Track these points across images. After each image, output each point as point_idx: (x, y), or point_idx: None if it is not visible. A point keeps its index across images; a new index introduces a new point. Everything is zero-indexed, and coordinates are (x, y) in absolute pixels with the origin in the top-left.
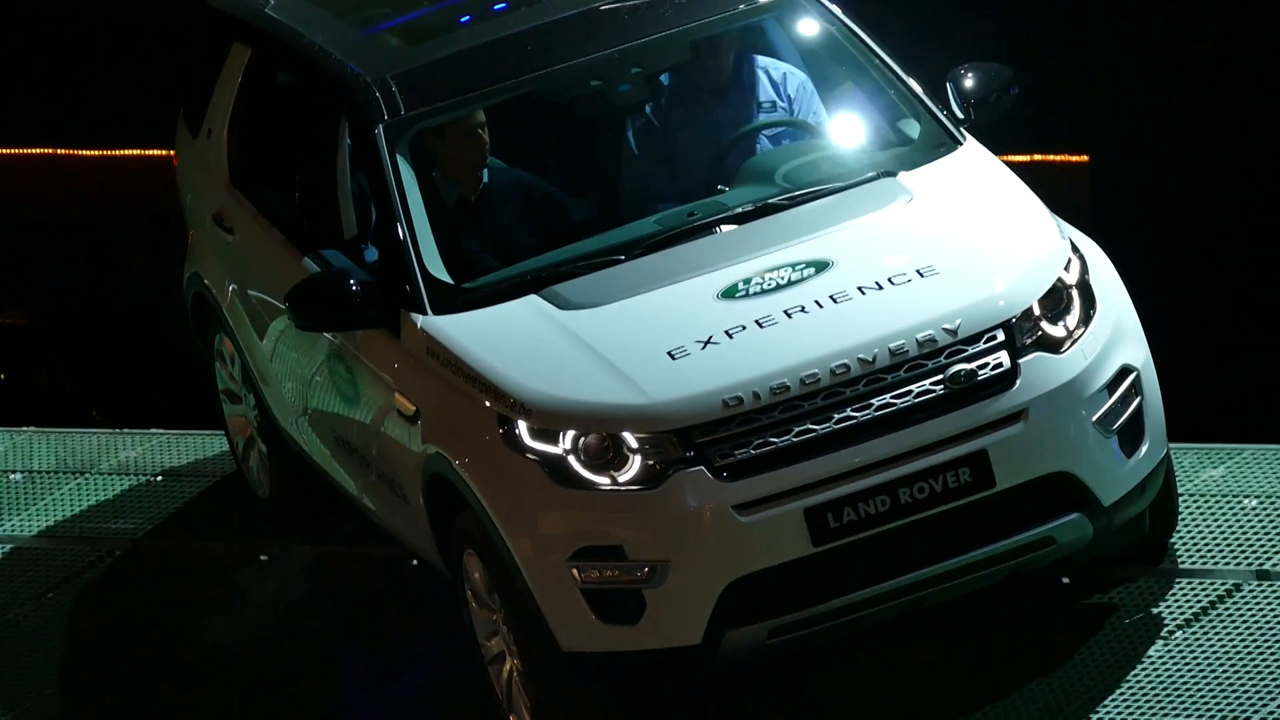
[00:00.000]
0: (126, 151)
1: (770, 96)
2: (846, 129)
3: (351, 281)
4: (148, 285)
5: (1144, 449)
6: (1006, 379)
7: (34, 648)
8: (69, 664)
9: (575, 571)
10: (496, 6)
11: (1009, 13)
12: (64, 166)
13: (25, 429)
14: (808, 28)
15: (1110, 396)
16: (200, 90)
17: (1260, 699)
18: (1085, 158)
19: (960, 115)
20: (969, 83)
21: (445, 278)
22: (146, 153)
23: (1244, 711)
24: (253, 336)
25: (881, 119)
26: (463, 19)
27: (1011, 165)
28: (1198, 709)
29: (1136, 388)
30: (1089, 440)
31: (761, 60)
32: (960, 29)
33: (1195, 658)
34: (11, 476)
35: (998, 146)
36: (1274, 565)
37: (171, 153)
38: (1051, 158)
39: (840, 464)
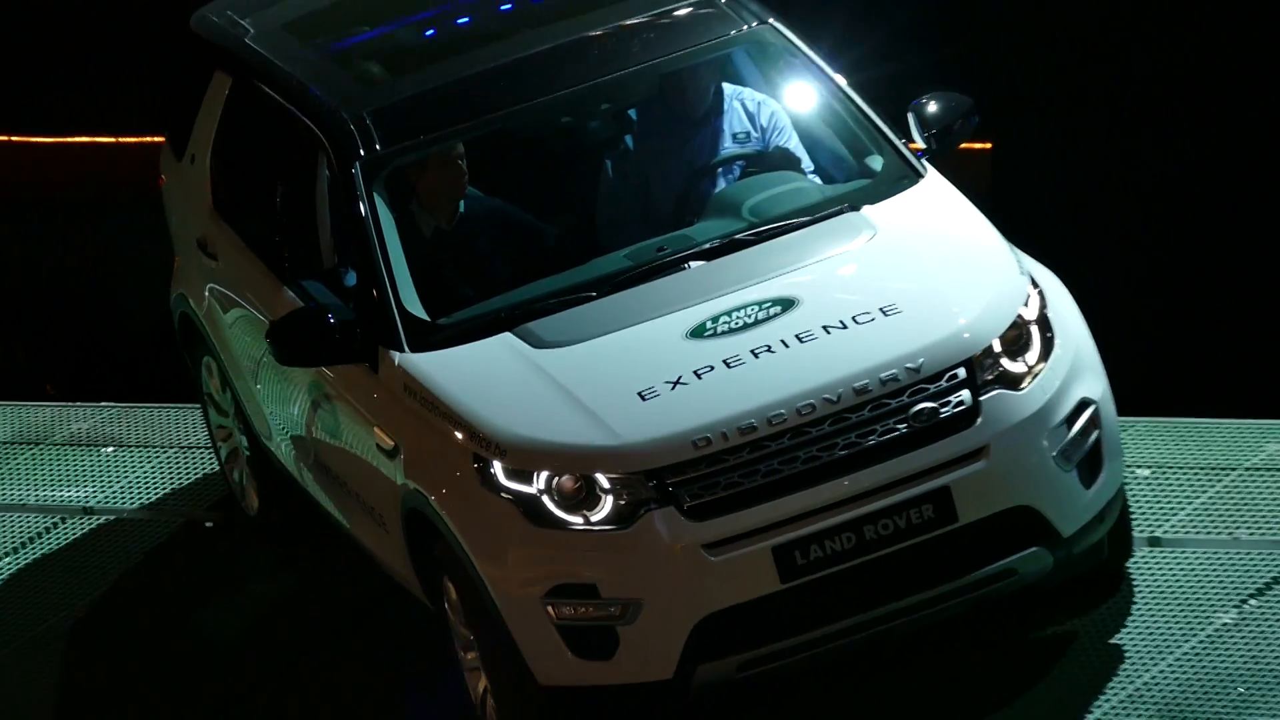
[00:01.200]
0: (74, 139)
1: (745, 127)
2: (812, 161)
3: (330, 318)
4: (96, 266)
5: (1102, 479)
6: (968, 416)
7: None
8: (26, 623)
9: (550, 609)
10: (459, 20)
11: (914, 2)
12: (11, 152)
13: None
14: (773, 60)
15: (1070, 430)
16: (183, 114)
17: (1150, 659)
18: (988, 145)
19: (923, 146)
20: (930, 112)
21: (422, 315)
22: (95, 139)
23: (1135, 670)
24: (237, 361)
25: (846, 151)
26: (427, 32)
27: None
28: (1092, 669)
29: (1095, 420)
30: (1049, 474)
31: (736, 90)
32: (871, 23)
33: (1090, 620)
34: None
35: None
36: (1164, 533)
37: (113, 139)
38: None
39: (806, 503)
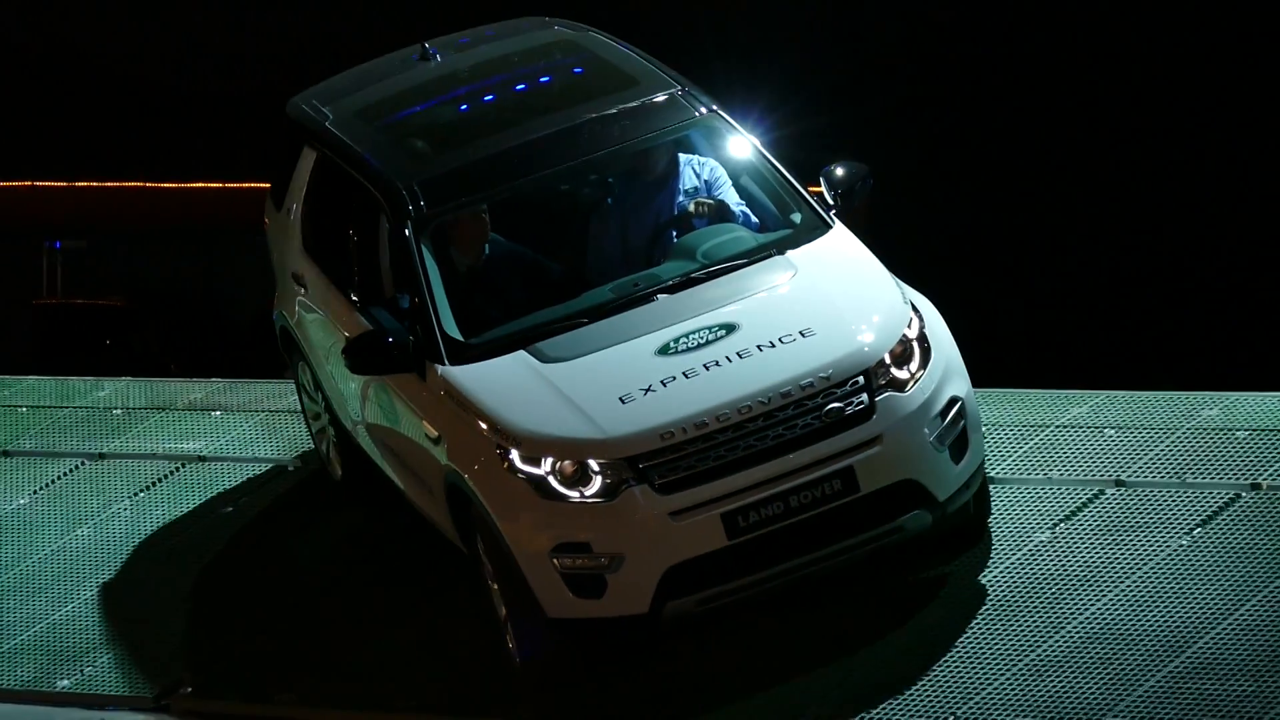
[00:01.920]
0: (195, 184)
1: (694, 183)
2: (747, 216)
3: (390, 340)
4: (206, 279)
5: (968, 456)
6: (866, 413)
7: (128, 535)
8: (161, 538)
9: (555, 561)
10: (485, 98)
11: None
12: (145, 194)
13: (124, 378)
14: (719, 138)
15: (943, 421)
16: (282, 176)
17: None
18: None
19: (830, 203)
20: (837, 176)
21: (457, 335)
22: (210, 185)
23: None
24: (322, 365)
25: (774, 207)
26: (461, 108)
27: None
28: (1064, 592)
29: (962, 412)
30: (928, 455)
31: (687, 157)
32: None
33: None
34: (114, 412)
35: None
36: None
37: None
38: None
39: (746, 480)
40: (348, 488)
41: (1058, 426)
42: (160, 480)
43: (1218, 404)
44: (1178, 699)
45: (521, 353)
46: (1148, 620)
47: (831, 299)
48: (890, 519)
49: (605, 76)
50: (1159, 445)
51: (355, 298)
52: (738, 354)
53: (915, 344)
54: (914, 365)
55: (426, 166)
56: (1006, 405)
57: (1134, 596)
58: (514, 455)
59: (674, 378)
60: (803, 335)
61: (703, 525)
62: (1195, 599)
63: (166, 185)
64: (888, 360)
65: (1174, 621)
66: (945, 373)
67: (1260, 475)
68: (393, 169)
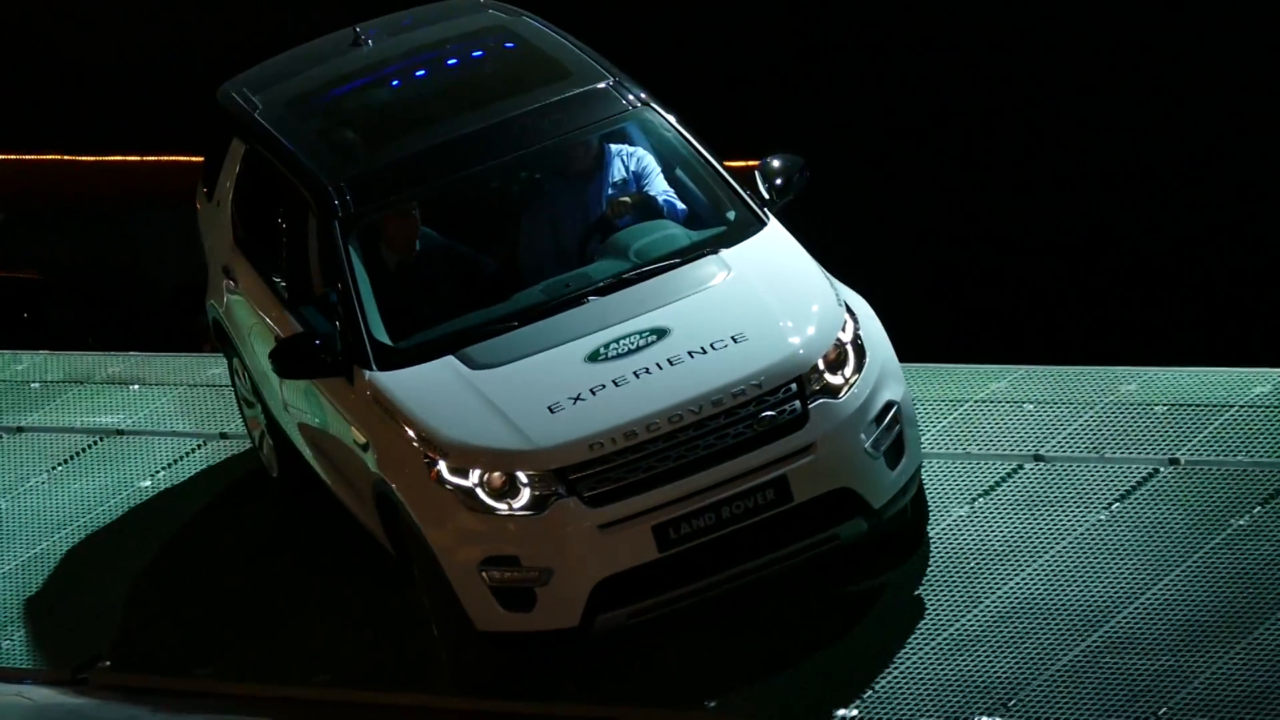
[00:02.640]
0: (113, 158)
1: (622, 175)
2: (681, 211)
3: (317, 342)
4: (124, 253)
5: (904, 461)
6: (799, 421)
7: (46, 509)
8: (78, 513)
9: (484, 574)
10: (416, 90)
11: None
12: (63, 168)
13: (41, 352)
14: (652, 131)
15: (878, 427)
16: (213, 166)
17: (1033, 553)
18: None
19: (766, 197)
20: (772, 170)
21: (385, 340)
22: (128, 158)
23: (1021, 565)
24: (256, 361)
25: (708, 204)
26: (391, 101)
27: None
28: (982, 567)
29: (898, 417)
30: (862, 462)
31: (616, 148)
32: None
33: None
34: (31, 385)
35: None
36: (1046, 451)
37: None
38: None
39: (677, 491)
40: (284, 487)
41: (977, 401)
42: (78, 454)
43: (1136, 379)
44: (1095, 674)
45: (450, 358)
46: (1066, 595)
47: (764, 302)
48: (825, 528)
49: (537, 66)
50: (1077, 420)
51: (285, 295)
52: (669, 360)
53: (849, 347)
54: (848, 370)
55: (354, 164)
56: (926, 380)
57: (1052, 571)
58: (441, 466)
59: (603, 386)
60: (734, 340)
61: (633, 538)
62: (1113, 574)
63: (84, 158)
64: (821, 366)
65: (1092, 596)
66: (880, 376)
67: (1178, 450)
68: (320, 166)
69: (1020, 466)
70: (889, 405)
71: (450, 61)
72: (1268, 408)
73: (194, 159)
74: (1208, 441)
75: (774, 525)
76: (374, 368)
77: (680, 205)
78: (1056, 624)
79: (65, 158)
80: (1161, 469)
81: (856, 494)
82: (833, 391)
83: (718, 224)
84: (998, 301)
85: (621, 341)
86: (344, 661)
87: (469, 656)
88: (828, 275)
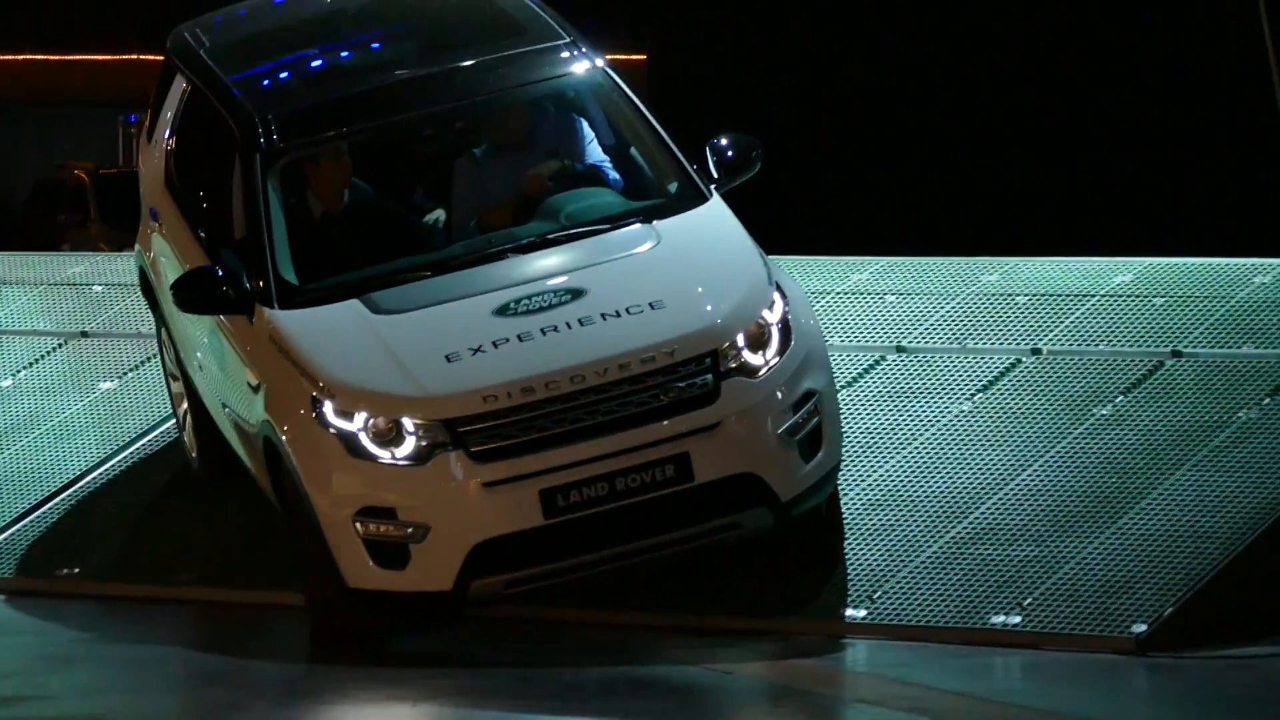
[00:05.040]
0: None
1: (559, 144)
2: (620, 181)
3: (220, 274)
4: None
5: (820, 455)
6: (709, 396)
7: (16, 403)
8: (48, 417)
9: (358, 525)
10: (366, 37)
11: None
12: None
13: None
14: (601, 97)
15: (795, 414)
16: (153, 106)
17: (897, 445)
18: (643, 56)
19: (714, 176)
20: (724, 149)
21: (293, 279)
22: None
23: (884, 457)
24: (173, 310)
25: (651, 175)
26: (339, 48)
27: None
28: (845, 460)
29: (818, 409)
30: (773, 448)
31: (555, 116)
32: None
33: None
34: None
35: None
36: (908, 343)
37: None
38: (611, 57)
39: (570, 456)
40: (207, 475)
41: (838, 293)
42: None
43: (998, 269)
44: (960, 564)
45: (355, 301)
46: (929, 486)
47: (690, 273)
48: (725, 514)
49: (495, 22)
50: (939, 311)
51: (203, 236)
52: (579, 320)
53: (774, 329)
54: (770, 351)
55: (287, 102)
56: (788, 273)
57: (915, 463)
58: (327, 407)
59: (507, 339)
60: (651, 307)
61: (518, 500)
62: (977, 465)
63: None
64: (740, 342)
65: (956, 487)
66: (805, 363)
67: (1040, 340)
68: (251, 100)
69: (882, 358)
70: (809, 394)
71: (408, 15)
72: (1129, 296)
73: (46, 57)
74: (1070, 331)
75: (671, 504)
76: (275, 305)
77: (614, 175)
78: (921, 516)
79: None
80: (1024, 359)
81: (763, 481)
82: (750, 371)
83: (658, 196)
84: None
85: (534, 299)
86: (206, 561)
87: (336, 617)
88: (763, 255)
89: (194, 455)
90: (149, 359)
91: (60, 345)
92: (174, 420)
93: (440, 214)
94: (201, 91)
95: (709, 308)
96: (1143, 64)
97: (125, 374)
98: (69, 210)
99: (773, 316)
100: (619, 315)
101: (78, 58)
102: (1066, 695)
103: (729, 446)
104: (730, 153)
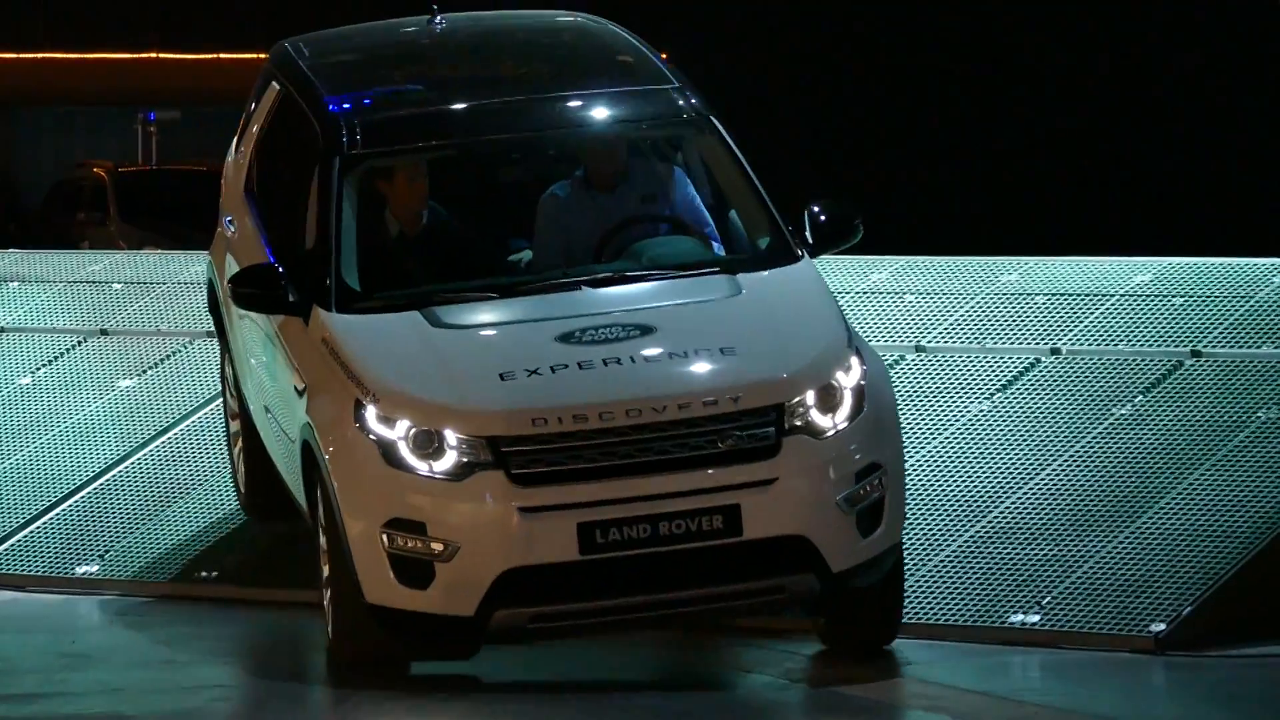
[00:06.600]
0: None
1: (654, 190)
2: (711, 232)
3: (280, 271)
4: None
5: (879, 531)
6: (770, 450)
7: (36, 401)
8: (70, 410)
9: (385, 537)
10: (472, 66)
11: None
12: None
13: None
14: (700, 144)
15: (857, 483)
16: (244, 119)
17: (917, 444)
18: (663, 56)
19: (810, 241)
20: (822, 216)
21: (355, 285)
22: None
23: (905, 456)
24: (236, 324)
25: (744, 230)
26: (444, 72)
27: None
28: None
29: (883, 483)
30: (829, 514)
31: (654, 162)
32: None
33: None
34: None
35: None
36: (928, 342)
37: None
38: None
39: (615, 491)
40: (250, 505)
41: (857, 293)
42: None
43: (1017, 268)
44: (979, 563)
45: (414, 313)
46: (948, 486)
47: (766, 325)
48: (770, 575)
49: (602, 61)
50: (958, 310)
51: (273, 244)
52: (644, 356)
53: (847, 392)
54: (840, 415)
55: (375, 111)
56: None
57: (934, 462)
58: (369, 412)
59: (565, 365)
60: (722, 352)
61: (555, 530)
62: (997, 463)
63: None
64: (810, 400)
65: (975, 487)
66: (875, 434)
67: (1059, 340)
68: (341, 108)
69: (902, 358)
70: (875, 465)
71: (515, 48)
72: (1149, 296)
73: (69, 55)
74: (1089, 331)
75: (714, 557)
76: (332, 309)
77: (706, 225)
78: (940, 515)
79: None
80: (1043, 358)
81: (814, 546)
82: (816, 431)
83: (748, 251)
84: (880, 193)
85: (601, 330)
86: (223, 560)
87: (354, 633)
88: (846, 320)
89: (243, 491)
90: (168, 356)
91: (80, 343)
92: (226, 451)
93: (527, 254)
94: (293, 98)
95: (781, 360)
96: (1165, 64)
97: (144, 371)
98: (88, 209)
99: (847, 380)
100: (686, 355)
101: (96, 56)
102: (1085, 694)
103: (783, 505)
104: (824, 217)
